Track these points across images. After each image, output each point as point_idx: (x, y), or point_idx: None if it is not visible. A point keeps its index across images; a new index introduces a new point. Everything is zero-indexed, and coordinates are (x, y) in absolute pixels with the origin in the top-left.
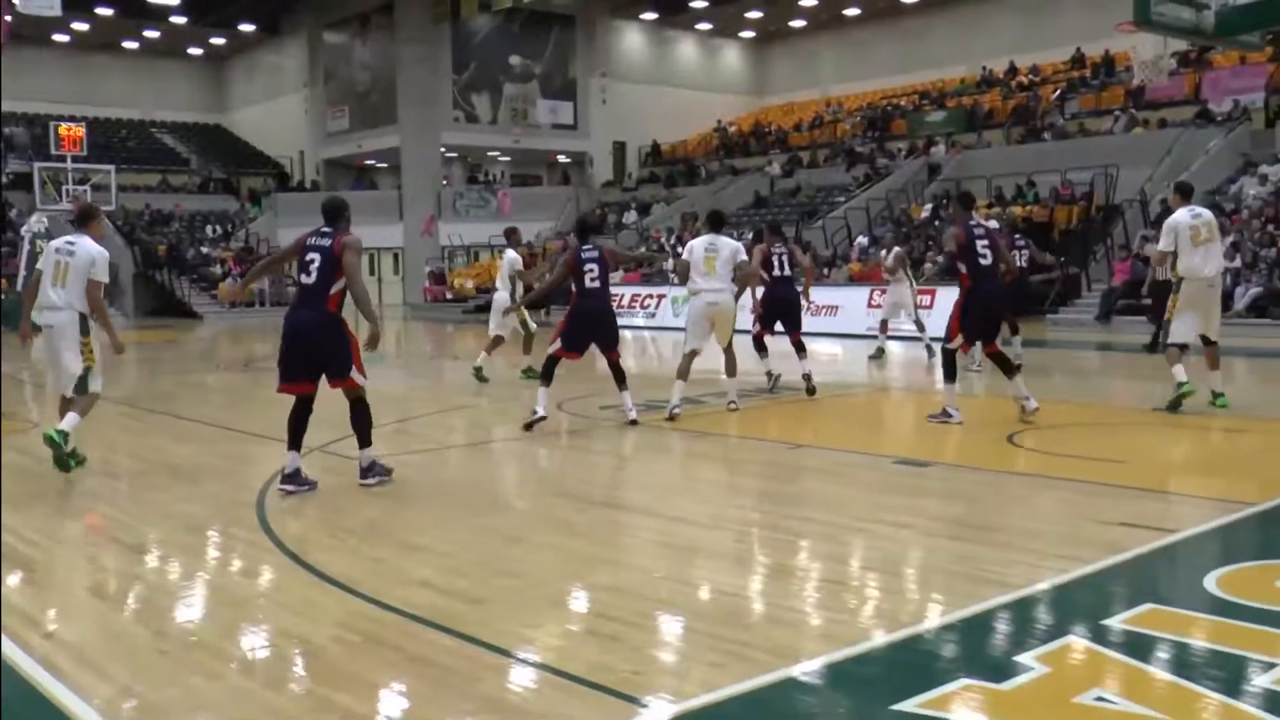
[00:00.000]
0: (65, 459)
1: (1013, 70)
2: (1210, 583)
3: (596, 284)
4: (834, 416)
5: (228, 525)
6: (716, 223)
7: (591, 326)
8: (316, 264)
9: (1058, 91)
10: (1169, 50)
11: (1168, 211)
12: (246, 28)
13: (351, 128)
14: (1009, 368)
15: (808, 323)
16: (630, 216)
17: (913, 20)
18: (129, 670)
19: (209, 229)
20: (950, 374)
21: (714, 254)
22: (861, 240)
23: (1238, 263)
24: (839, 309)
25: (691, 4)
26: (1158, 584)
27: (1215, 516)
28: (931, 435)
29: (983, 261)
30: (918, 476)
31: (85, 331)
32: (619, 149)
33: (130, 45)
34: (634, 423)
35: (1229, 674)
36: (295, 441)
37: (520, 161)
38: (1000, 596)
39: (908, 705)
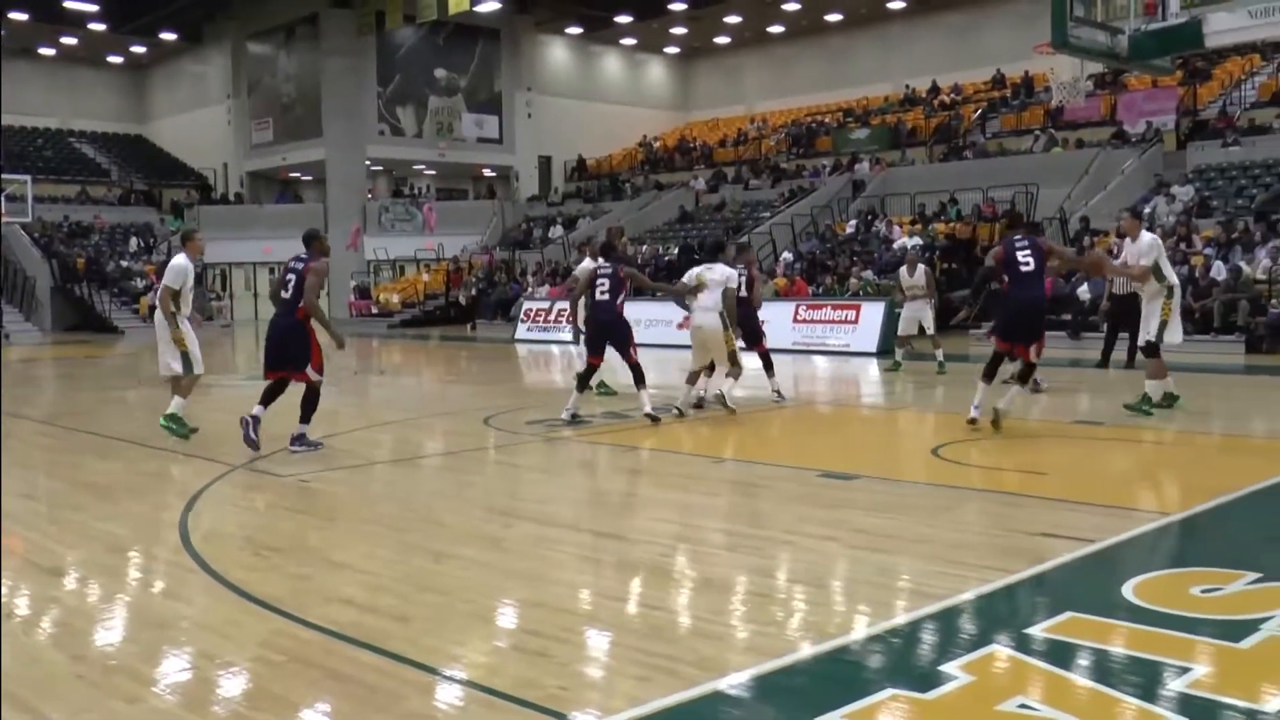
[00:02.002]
0: (177, 432)
1: (935, 89)
2: (1128, 591)
3: (605, 296)
4: (759, 430)
5: (149, 545)
6: (716, 250)
7: (602, 333)
8: (292, 282)
9: (979, 111)
10: (1085, 73)
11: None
12: (168, 36)
13: (276, 140)
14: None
15: None
16: (556, 231)
17: (837, 39)
18: (45, 697)
19: (130, 241)
20: (988, 374)
21: (708, 277)
22: (787, 256)
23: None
24: (765, 324)
25: (616, 19)
26: (1078, 593)
27: (1133, 526)
28: (856, 448)
29: (1023, 269)
30: (843, 489)
31: (176, 327)
32: (544, 163)
33: (47, 52)
34: (654, 419)
35: (1146, 679)
36: (266, 401)
37: (446, 175)
38: (925, 607)
39: (834, 716)
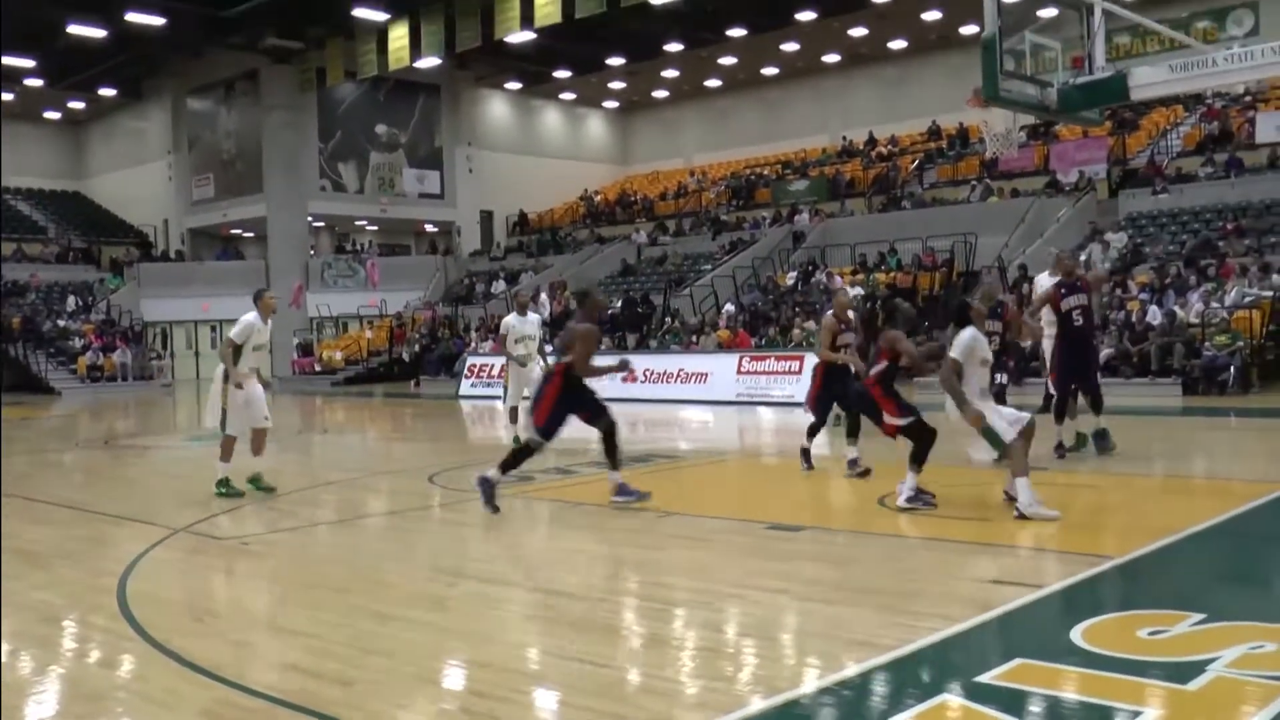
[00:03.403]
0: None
1: (872, 141)
2: (1077, 635)
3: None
4: (704, 483)
5: (85, 613)
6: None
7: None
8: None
9: (916, 162)
10: (1018, 124)
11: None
12: (107, 92)
13: (217, 196)
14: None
15: (677, 390)
16: (499, 286)
17: (773, 91)
18: None
19: (68, 300)
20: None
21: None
22: (729, 308)
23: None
24: (709, 376)
25: (555, 74)
26: (1027, 639)
27: (1080, 570)
28: (803, 500)
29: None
30: (790, 541)
31: (225, 379)
32: (486, 218)
33: None
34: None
35: None
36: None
37: (388, 231)
38: (876, 658)
39: None
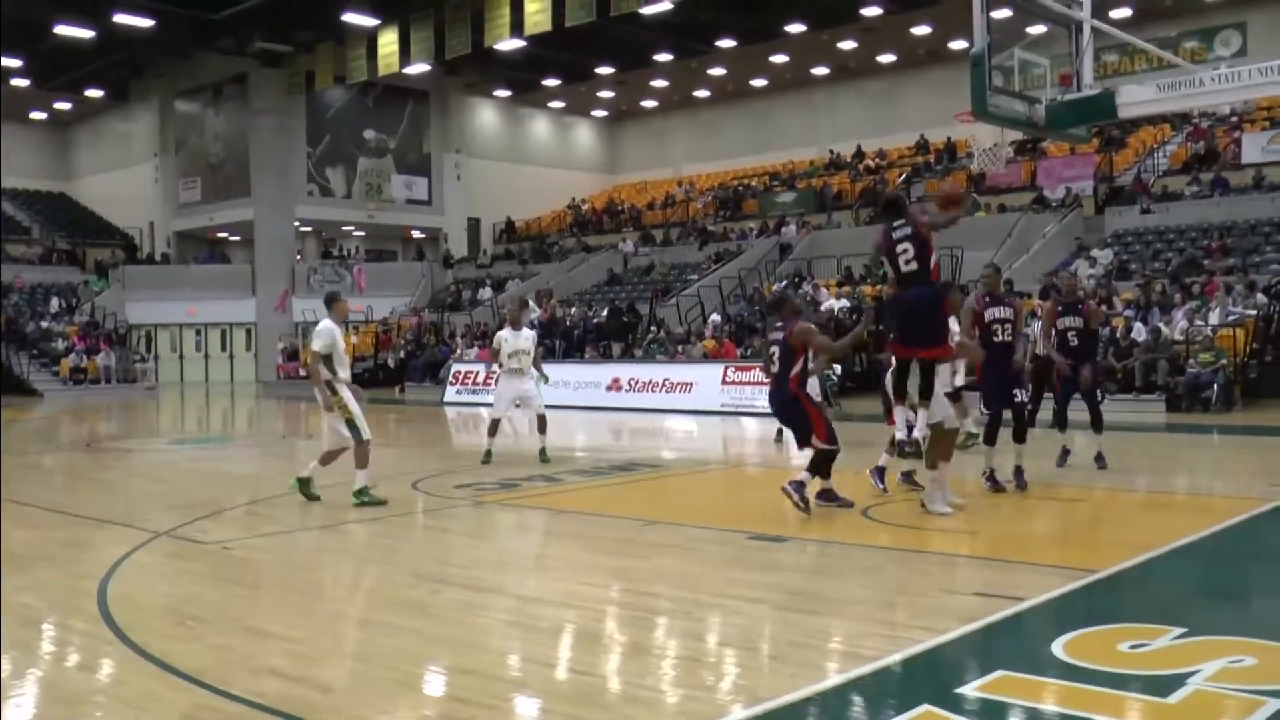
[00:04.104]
0: (373, 501)
1: (860, 154)
2: (1058, 648)
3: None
4: (687, 493)
5: (65, 616)
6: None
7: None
8: (777, 355)
9: (903, 175)
10: (1006, 139)
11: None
12: (94, 93)
13: (204, 199)
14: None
15: (662, 400)
16: (485, 293)
17: (761, 102)
18: None
19: (52, 302)
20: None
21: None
22: (715, 318)
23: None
24: (694, 386)
25: (544, 82)
26: (1009, 651)
27: (1061, 584)
28: (786, 510)
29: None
30: (772, 551)
31: (334, 391)
32: (474, 225)
33: None
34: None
35: None
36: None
37: (375, 236)
38: (857, 669)
39: None
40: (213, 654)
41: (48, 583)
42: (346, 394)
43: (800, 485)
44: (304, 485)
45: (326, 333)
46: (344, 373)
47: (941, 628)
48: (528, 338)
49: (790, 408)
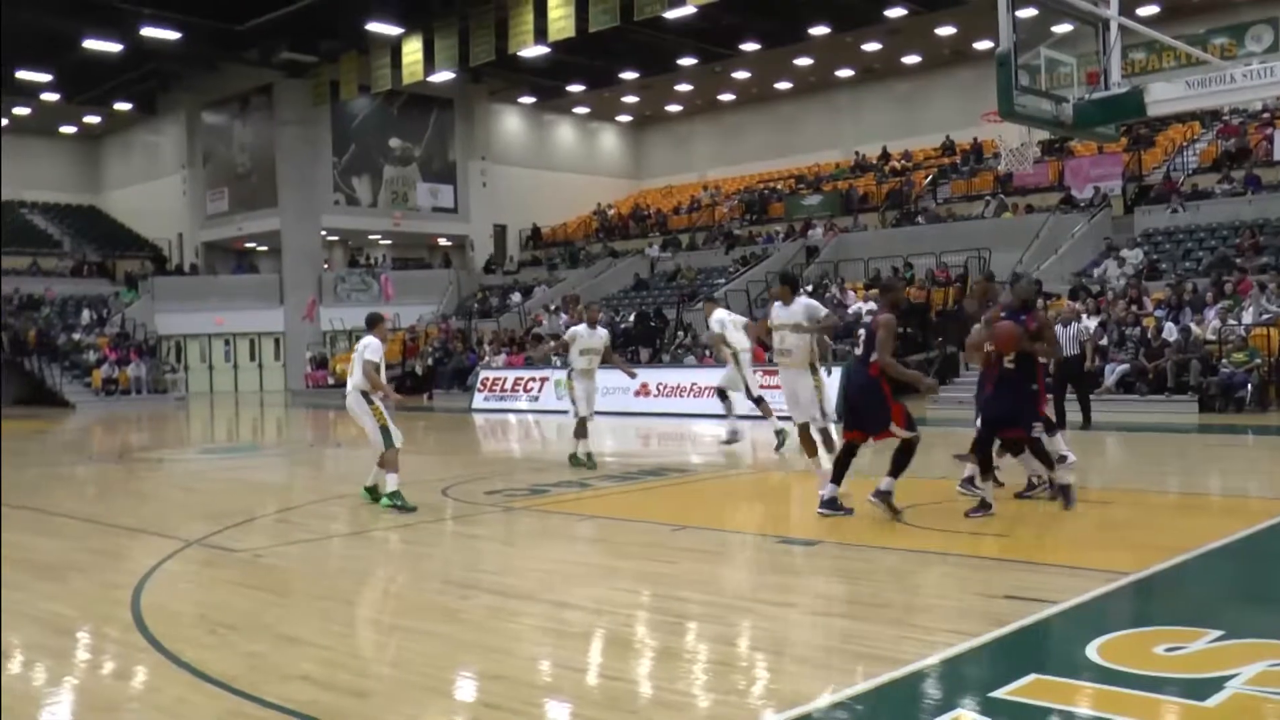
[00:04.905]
0: (402, 507)
1: (886, 156)
2: (1091, 651)
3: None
4: (717, 497)
5: (98, 625)
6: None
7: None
8: (863, 338)
9: (929, 177)
10: (1034, 139)
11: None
12: (122, 106)
13: (231, 210)
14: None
15: (690, 404)
16: (515, 298)
17: (786, 106)
18: None
19: (83, 314)
20: None
21: None
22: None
23: (1105, 341)
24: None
25: (568, 88)
26: (1042, 654)
27: (1095, 586)
28: (814, 514)
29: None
30: (802, 555)
31: (370, 402)
32: (500, 232)
33: None
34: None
35: None
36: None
37: (401, 245)
38: (889, 673)
39: None
40: (244, 661)
41: (81, 591)
42: (381, 403)
43: (886, 495)
44: (396, 499)
45: (376, 346)
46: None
47: (974, 631)
48: (601, 337)
49: (867, 392)
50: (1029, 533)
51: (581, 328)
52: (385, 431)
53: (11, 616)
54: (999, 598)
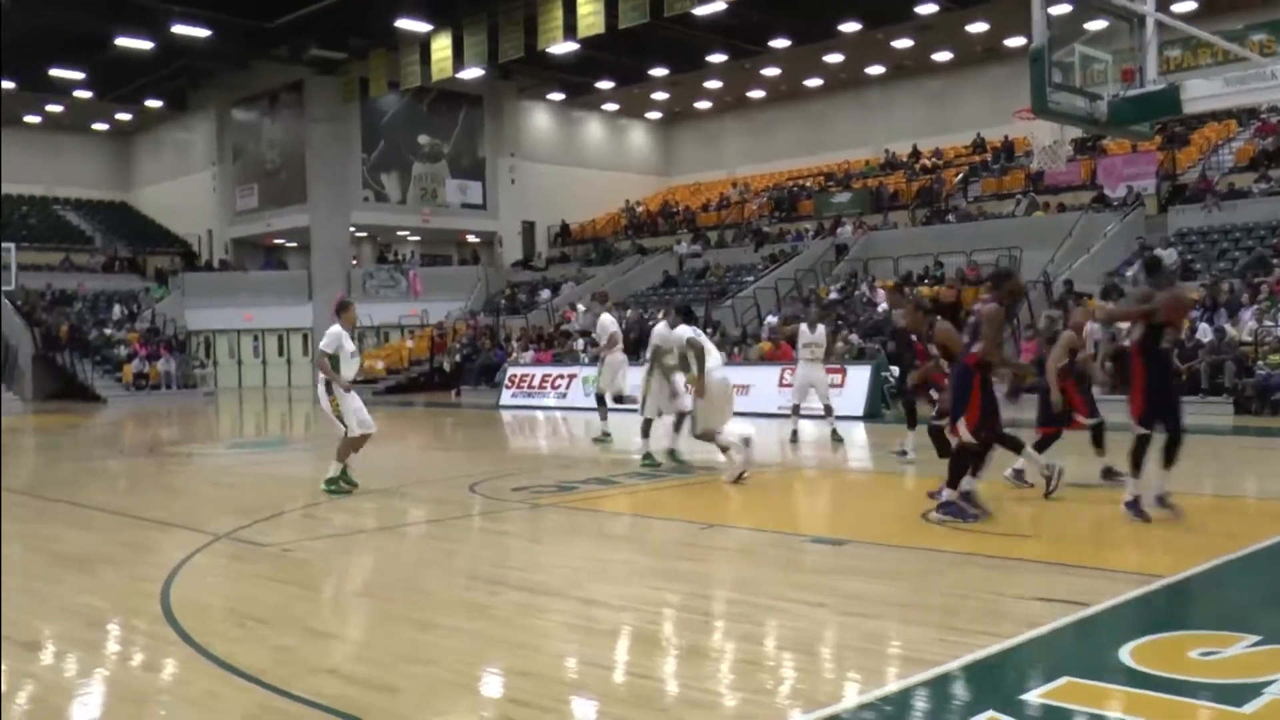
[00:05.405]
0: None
1: (916, 154)
2: (1125, 655)
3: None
4: (745, 495)
5: (129, 617)
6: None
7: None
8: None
9: (960, 175)
10: (1066, 137)
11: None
12: (153, 104)
13: (261, 206)
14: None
15: None
16: (544, 295)
17: (816, 103)
18: None
19: (114, 309)
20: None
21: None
22: (771, 319)
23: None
24: (751, 388)
25: (598, 85)
26: (1074, 657)
27: (1127, 589)
28: (845, 514)
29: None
30: (832, 555)
31: (330, 392)
32: (528, 229)
33: (32, 119)
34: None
35: None
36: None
37: (430, 241)
38: (918, 674)
39: None
40: (273, 654)
41: (111, 584)
42: (339, 391)
43: (949, 503)
44: (332, 483)
45: (333, 336)
46: (347, 373)
47: (1005, 633)
48: (680, 337)
49: (959, 380)
50: (1059, 534)
51: (662, 326)
52: (341, 420)
53: (45, 608)
54: (1031, 599)
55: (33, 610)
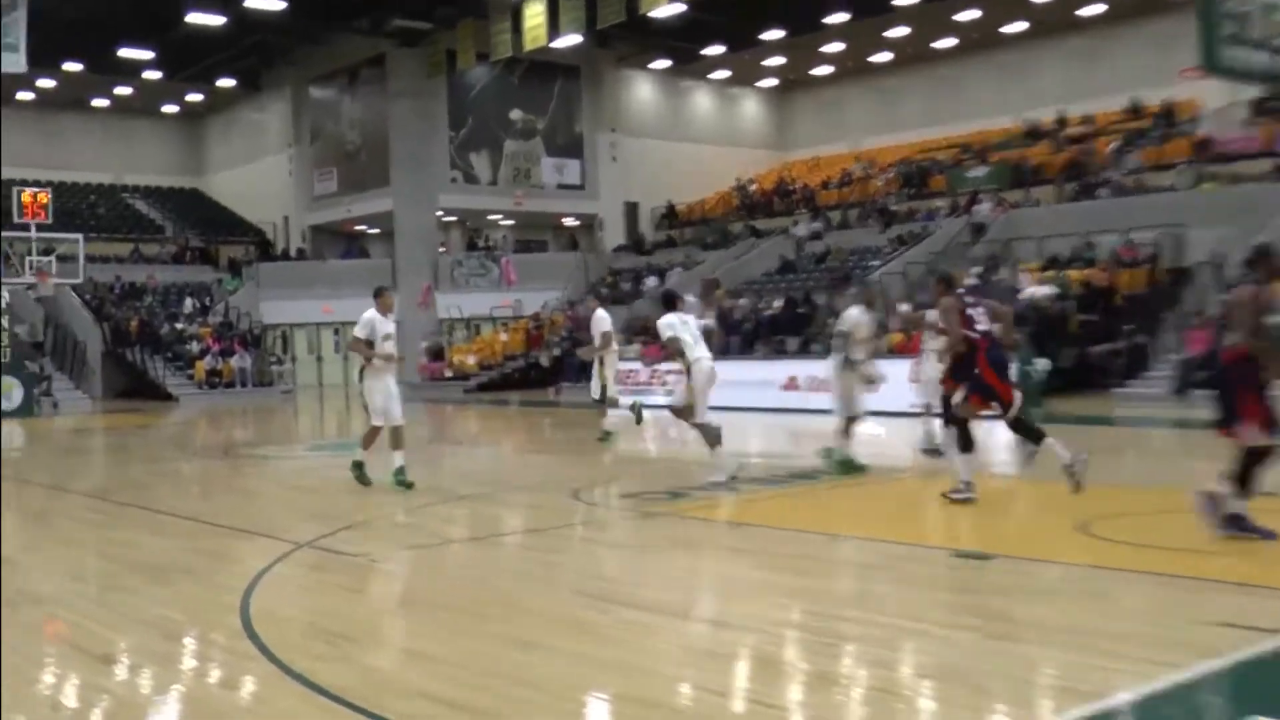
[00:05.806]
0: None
1: (1062, 121)
2: None
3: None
4: (879, 503)
5: (207, 630)
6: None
7: None
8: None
9: (1113, 144)
10: (1241, 98)
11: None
12: (226, 83)
13: (340, 190)
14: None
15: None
16: (651, 281)
17: (948, 67)
18: None
19: (185, 302)
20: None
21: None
22: (903, 308)
23: None
24: (879, 383)
25: (705, 51)
26: (1263, 693)
27: None
28: (991, 524)
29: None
30: (978, 571)
31: (361, 379)
32: (631, 210)
33: (100, 103)
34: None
35: None
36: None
37: (523, 225)
38: (1080, 708)
39: None
40: (359, 673)
41: (189, 595)
42: (369, 379)
43: (1213, 500)
44: (357, 469)
45: (366, 322)
46: (382, 361)
47: (1179, 662)
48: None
49: (1219, 379)
50: (1247, 549)
51: (856, 310)
52: (369, 409)
53: (120, 619)
54: (1212, 624)
55: (107, 621)
